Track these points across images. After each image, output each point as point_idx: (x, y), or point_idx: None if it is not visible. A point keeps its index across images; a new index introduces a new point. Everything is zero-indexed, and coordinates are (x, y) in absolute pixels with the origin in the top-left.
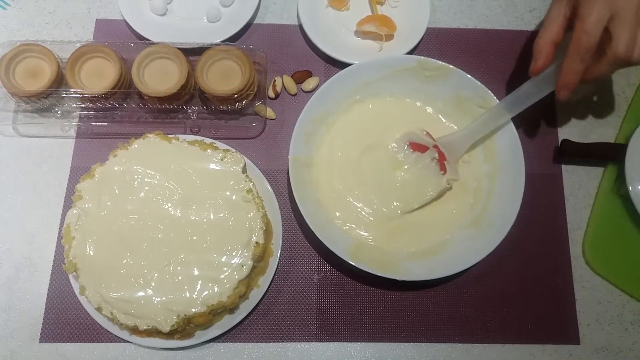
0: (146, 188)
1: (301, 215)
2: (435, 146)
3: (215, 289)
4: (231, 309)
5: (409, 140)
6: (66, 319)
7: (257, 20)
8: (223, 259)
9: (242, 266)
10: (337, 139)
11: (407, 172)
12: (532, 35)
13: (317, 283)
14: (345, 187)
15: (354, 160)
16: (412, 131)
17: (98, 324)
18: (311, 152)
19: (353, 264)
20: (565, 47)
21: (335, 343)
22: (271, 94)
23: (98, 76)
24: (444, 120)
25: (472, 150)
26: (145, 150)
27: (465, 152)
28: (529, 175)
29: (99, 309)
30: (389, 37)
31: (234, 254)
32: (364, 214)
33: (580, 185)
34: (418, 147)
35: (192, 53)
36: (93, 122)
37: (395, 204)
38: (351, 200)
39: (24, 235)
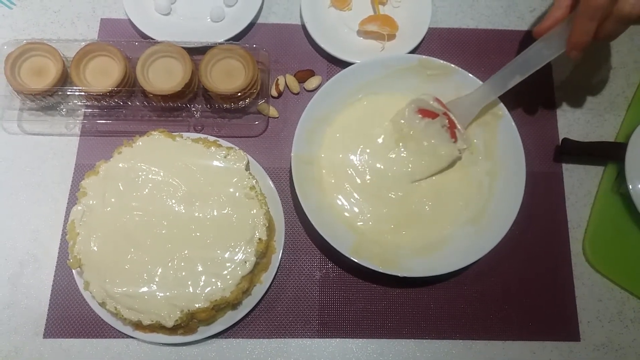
0: (150, 185)
1: (303, 212)
2: (446, 113)
3: (219, 284)
4: (234, 304)
5: (417, 107)
6: (70, 315)
7: (260, 20)
8: (226, 255)
9: (245, 262)
10: (338, 136)
11: (417, 140)
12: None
13: (319, 280)
14: (346, 184)
15: (353, 157)
16: (421, 98)
17: (102, 319)
18: (313, 150)
19: (355, 260)
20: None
21: (337, 339)
22: (274, 92)
23: (103, 74)
24: None
25: (474, 146)
26: (150, 147)
27: (475, 117)
28: (530, 174)
29: (103, 304)
30: (391, 36)
31: (237, 250)
32: (365, 211)
33: (581, 184)
34: (428, 113)
35: (196, 52)
36: (97, 120)
37: (398, 193)
38: (353, 197)
39: (28, 231)
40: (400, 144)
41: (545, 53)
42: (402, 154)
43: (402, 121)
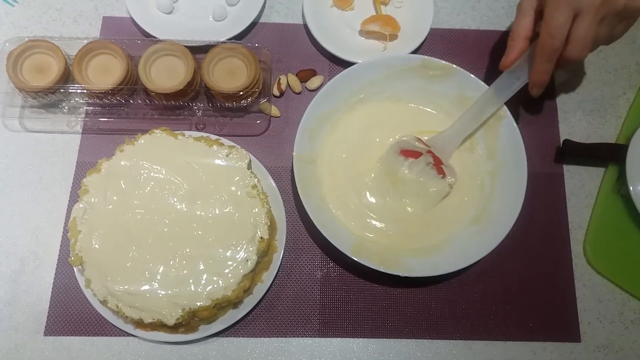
0: (152, 183)
1: (305, 211)
2: (429, 151)
3: (220, 283)
4: (235, 303)
5: (400, 148)
6: (71, 313)
7: (262, 19)
8: (228, 254)
9: (247, 261)
10: (341, 138)
11: (405, 181)
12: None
13: (320, 279)
14: (348, 185)
15: (356, 159)
16: (401, 139)
17: (103, 317)
18: (315, 150)
19: (356, 259)
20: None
21: (338, 339)
22: (276, 92)
23: (105, 72)
24: (446, 120)
25: (476, 147)
26: (152, 145)
27: (456, 148)
28: (531, 175)
29: (104, 302)
30: (393, 37)
31: (238, 248)
32: (367, 211)
33: (582, 185)
34: (410, 153)
35: (198, 51)
36: (99, 118)
37: (405, 201)
38: (354, 197)
39: (29, 229)
40: (394, 186)
41: (514, 84)
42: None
43: (388, 166)
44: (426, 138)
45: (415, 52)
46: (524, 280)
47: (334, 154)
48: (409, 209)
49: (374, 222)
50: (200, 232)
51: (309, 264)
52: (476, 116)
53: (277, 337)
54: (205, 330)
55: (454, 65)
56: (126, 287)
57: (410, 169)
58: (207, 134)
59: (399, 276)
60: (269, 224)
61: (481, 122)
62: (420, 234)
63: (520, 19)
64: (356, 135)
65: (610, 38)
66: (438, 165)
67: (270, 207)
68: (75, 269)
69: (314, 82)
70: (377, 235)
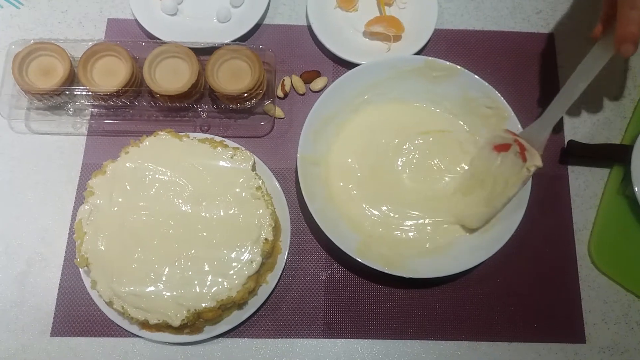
0: (157, 184)
1: (309, 212)
2: (516, 140)
3: (225, 284)
4: (240, 304)
5: (493, 144)
6: (77, 314)
7: (266, 21)
8: (233, 255)
9: (252, 262)
10: (345, 139)
11: (494, 177)
12: (539, 37)
13: (324, 280)
14: (352, 186)
15: (361, 160)
16: (495, 135)
17: (108, 318)
18: (319, 151)
19: (360, 260)
20: None
21: (343, 340)
22: (280, 93)
23: (110, 74)
24: (452, 120)
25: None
26: (157, 147)
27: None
28: (536, 176)
29: (110, 303)
30: (397, 38)
31: (243, 250)
32: (369, 213)
33: (587, 186)
34: (502, 147)
35: (203, 52)
36: (104, 120)
37: (402, 194)
38: (359, 198)
39: (35, 230)
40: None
41: (603, 55)
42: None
43: (482, 163)
44: (519, 132)
45: (419, 53)
46: (528, 282)
47: (338, 155)
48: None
49: (379, 222)
50: (205, 234)
51: (314, 265)
52: (569, 98)
53: (282, 338)
54: (210, 331)
55: (458, 66)
56: (132, 288)
57: (502, 162)
58: (212, 136)
59: (403, 277)
60: (273, 225)
61: (573, 101)
62: (424, 235)
63: None
64: (360, 136)
65: None
66: (522, 152)
67: (274, 209)
68: (81, 270)
69: (318, 84)
70: (382, 237)
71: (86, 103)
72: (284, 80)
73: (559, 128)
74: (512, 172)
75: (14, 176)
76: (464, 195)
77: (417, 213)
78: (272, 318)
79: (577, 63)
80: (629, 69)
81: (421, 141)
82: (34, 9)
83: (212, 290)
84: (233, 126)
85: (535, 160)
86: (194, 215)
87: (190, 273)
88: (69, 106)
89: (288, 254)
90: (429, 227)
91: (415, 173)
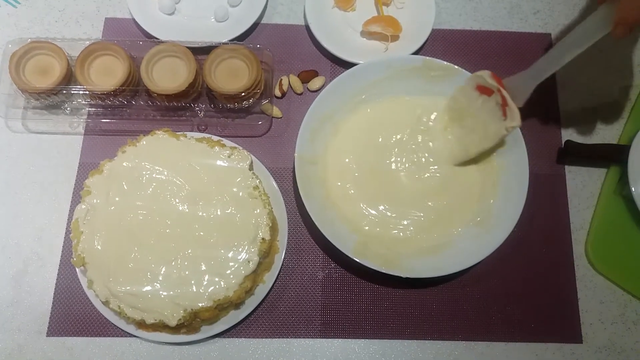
0: (154, 184)
1: (306, 212)
2: (499, 90)
3: (222, 283)
4: (237, 304)
5: (476, 83)
6: (73, 313)
7: (264, 20)
8: (230, 255)
9: (249, 262)
10: (343, 139)
11: (473, 117)
12: (537, 37)
13: (321, 280)
14: (349, 185)
15: (358, 160)
16: (479, 74)
17: (105, 318)
18: (317, 151)
19: (357, 260)
20: None
21: (340, 340)
22: (278, 93)
23: (107, 74)
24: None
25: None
26: (154, 146)
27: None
28: (533, 176)
29: (106, 303)
30: (395, 37)
31: (240, 249)
32: (367, 212)
33: (584, 186)
34: (484, 90)
35: (200, 52)
36: (102, 119)
37: (401, 195)
38: (356, 198)
39: (32, 230)
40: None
41: (601, 25)
42: (431, 143)
43: (463, 98)
44: (504, 79)
45: (417, 52)
46: (525, 281)
47: (336, 154)
48: (455, 146)
49: (376, 222)
50: (202, 233)
51: (311, 265)
52: (555, 61)
53: (279, 337)
54: (207, 331)
55: (456, 66)
56: (128, 288)
57: (482, 105)
58: (209, 135)
59: (400, 277)
60: (270, 224)
61: (563, 65)
62: (422, 235)
63: None
64: (358, 135)
65: None
66: (504, 106)
67: (271, 208)
68: (77, 269)
69: (315, 83)
70: (379, 236)
71: (83, 102)
72: (281, 79)
73: (556, 128)
74: (490, 120)
75: (10, 175)
76: (444, 128)
77: (414, 212)
78: (269, 318)
79: (574, 62)
80: (626, 69)
81: (419, 140)
82: (31, 8)
83: (209, 290)
84: (230, 125)
85: (514, 120)
86: (191, 215)
87: (187, 272)
88: (66, 105)
89: (285, 253)
90: (426, 227)
91: (413, 173)
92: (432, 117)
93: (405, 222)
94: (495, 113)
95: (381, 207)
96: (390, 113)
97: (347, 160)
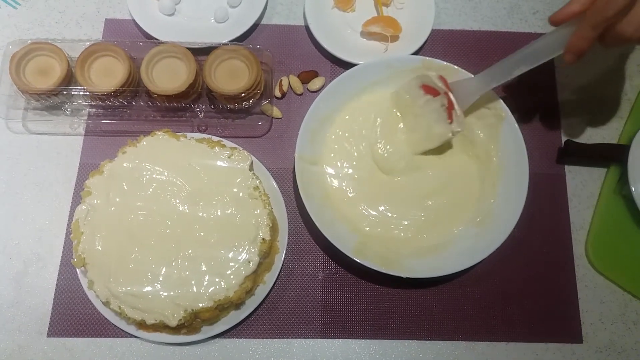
0: (154, 184)
1: (307, 212)
2: (447, 93)
3: (222, 284)
4: (237, 304)
5: (421, 82)
6: (74, 314)
7: (264, 21)
8: (230, 255)
9: (249, 262)
10: (342, 137)
11: (415, 116)
12: (536, 37)
13: (322, 280)
14: (350, 186)
15: (358, 160)
16: (426, 74)
17: (105, 318)
18: (317, 151)
19: (358, 260)
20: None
21: (340, 340)
22: (277, 93)
23: (107, 74)
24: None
25: (477, 147)
26: (154, 147)
27: (474, 101)
28: (533, 175)
29: (107, 304)
30: (394, 38)
31: (240, 249)
32: (367, 213)
33: (584, 186)
34: (430, 90)
35: (200, 52)
36: (102, 120)
37: (401, 194)
38: (356, 198)
39: (32, 231)
40: (399, 124)
41: (555, 46)
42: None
43: (406, 95)
44: (450, 81)
45: (416, 53)
46: (525, 281)
47: (336, 155)
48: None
49: (376, 222)
50: (202, 234)
51: (311, 265)
52: (504, 72)
53: (279, 338)
54: (207, 331)
55: (455, 66)
56: (129, 288)
57: (425, 104)
58: (209, 136)
59: (400, 277)
60: (270, 225)
61: (510, 78)
62: (422, 235)
63: None
64: (357, 133)
65: None
66: (450, 110)
67: (272, 209)
68: (78, 270)
69: (315, 84)
70: (379, 237)
71: (83, 103)
72: (281, 80)
73: (555, 128)
74: (434, 122)
75: (11, 176)
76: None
77: (415, 212)
78: (269, 318)
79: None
80: (626, 69)
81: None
82: (32, 9)
83: (210, 290)
84: (230, 126)
85: (460, 125)
86: (191, 215)
87: (187, 273)
88: (67, 106)
89: (285, 254)
90: (426, 227)
91: (412, 172)
92: None
93: (405, 223)
94: (440, 115)
95: (381, 208)
96: (392, 115)
97: (344, 156)
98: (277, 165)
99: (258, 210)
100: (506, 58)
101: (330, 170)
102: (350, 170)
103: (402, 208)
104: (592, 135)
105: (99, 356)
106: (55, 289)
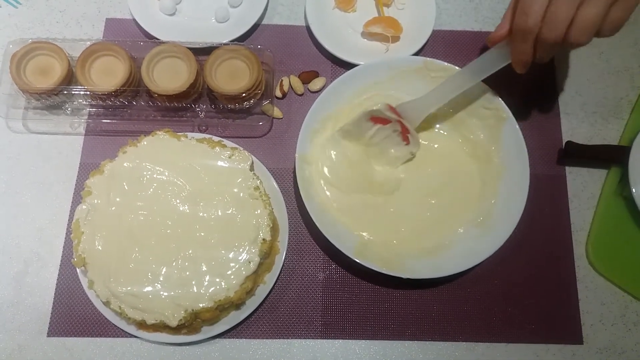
0: (155, 184)
1: (307, 213)
2: (399, 120)
3: (223, 284)
4: (238, 304)
5: (370, 115)
6: (74, 314)
7: (265, 21)
8: (230, 255)
9: (249, 262)
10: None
11: (370, 145)
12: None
13: (322, 281)
14: (350, 187)
15: (358, 160)
16: (375, 109)
17: (106, 318)
18: (317, 151)
19: (358, 261)
20: None
21: (340, 340)
22: (278, 93)
23: (108, 74)
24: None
25: (478, 149)
26: (155, 147)
27: (424, 120)
28: (533, 176)
29: (107, 303)
30: (395, 38)
31: (241, 250)
32: (370, 212)
33: (584, 187)
34: (380, 120)
35: (201, 52)
36: (102, 120)
37: (401, 194)
38: (357, 199)
39: (33, 230)
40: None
41: (498, 61)
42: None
43: (354, 129)
44: (396, 105)
45: (417, 53)
46: (526, 282)
47: (336, 155)
48: (378, 168)
49: (376, 223)
50: (202, 234)
51: (312, 266)
52: (451, 89)
53: (280, 338)
54: (207, 331)
55: (456, 67)
56: (129, 288)
57: (376, 134)
58: (210, 136)
59: (401, 278)
60: (271, 225)
61: (455, 95)
62: (422, 235)
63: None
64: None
65: (609, 24)
66: (405, 134)
67: (272, 209)
68: (78, 270)
69: (316, 84)
70: (380, 237)
71: (84, 103)
72: (282, 80)
73: (556, 129)
74: (389, 146)
75: (11, 176)
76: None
77: (415, 212)
78: (269, 318)
79: (574, 64)
80: (626, 70)
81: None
82: (32, 8)
83: (210, 291)
84: (231, 126)
85: (416, 145)
86: (191, 215)
87: (187, 273)
88: (67, 106)
89: (286, 254)
90: (427, 228)
91: (413, 172)
92: None
93: (405, 223)
94: (394, 139)
95: (381, 207)
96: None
97: (345, 157)
98: (278, 165)
99: (258, 211)
100: (452, 77)
101: (330, 170)
102: (350, 171)
103: (403, 209)
104: (592, 137)
105: (99, 356)
106: (56, 289)
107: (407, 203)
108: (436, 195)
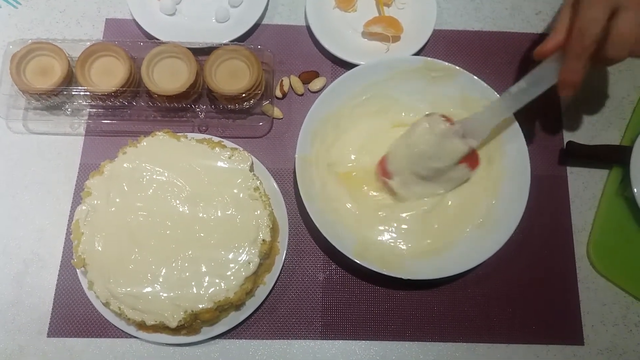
0: (155, 185)
1: (307, 213)
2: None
3: (222, 285)
4: (237, 305)
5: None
6: (74, 314)
7: (265, 21)
8: (230, 256)
9: (249, 263)
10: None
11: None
12: (539, 38)
13: (322, 281)
14: (351, 187)
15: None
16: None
17: (105, 319)
18: (318, 152)
19: (358, 262)
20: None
21: (340, 341)
22: (278, 93)
23: (108, 74)
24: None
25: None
26: (154, 147)
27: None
28: (535, 177)
29: (106, 304)
30: (396, 38)
31: (241, 251)
32: (370, 213)
33: (586, 187)
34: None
35: (201, 53)
36: (102, 120)
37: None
38: (357, 199)
39: (33, 231)
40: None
41: (547, 79)
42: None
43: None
44: (456, 119)
45: (418, 53)
46: (527, 283)
47: (337, 155)
48: (441, 190)
49: (377, 224)
50: (202, 234)
51: (312, 266)
52: (512, 104)
53: (280, 339)
54: (207, 332)
55: (457, 67)
56: (129, 289)
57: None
58: (210, 136)
59: (401, 279)
60: (271, 226)
61: (515, 110)
62: (423, 236)
63: (564, 9)
64: (359, 137)
65: None
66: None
67: (272, 209)
68: (78, 270)
69: (316, 84)
70: (380, 238)
71: (84, 103)
72: (282, 80)
73: (557, 129)
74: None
75: (11, 176)
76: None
77: (415, 212)
78: (269, 319)
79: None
80: (627, 70)
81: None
82: (32, 9)
83: (210, 291)
84: (231, 127)
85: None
86: (191, 216)
87: (187, 274)
88: (67, 106)
89: (286, 255)
90: (427, 228)
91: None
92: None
93: (406, 224)
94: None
95: (381, 210)
96: (393, 116)
97: (346, 157)
98: (278, 165)
99: (258, 211)
100: (511, 89)
101: (330, 171)
102: (350, 172)
103: (403, 210)
104: (594, 137)
105: (99, 356)
106: (56, 290)
107: (407, 203)
108: (436, 196)
